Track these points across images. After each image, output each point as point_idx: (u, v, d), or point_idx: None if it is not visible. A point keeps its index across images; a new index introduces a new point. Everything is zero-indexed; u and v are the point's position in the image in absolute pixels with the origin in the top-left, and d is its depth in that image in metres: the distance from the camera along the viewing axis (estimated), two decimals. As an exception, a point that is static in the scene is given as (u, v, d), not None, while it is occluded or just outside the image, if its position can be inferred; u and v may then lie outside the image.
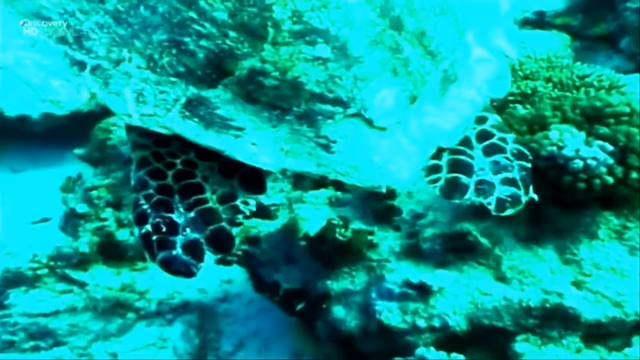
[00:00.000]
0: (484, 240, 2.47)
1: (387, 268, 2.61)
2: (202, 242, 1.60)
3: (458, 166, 1.77)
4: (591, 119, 2.36)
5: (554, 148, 2.23)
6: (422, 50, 1.76)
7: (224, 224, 1.63)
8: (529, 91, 2.82)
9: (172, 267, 1.56)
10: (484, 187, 1.75)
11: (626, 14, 3.96)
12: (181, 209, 1.63)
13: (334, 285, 2.72)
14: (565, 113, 2.39)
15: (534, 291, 2.37)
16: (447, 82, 1.80)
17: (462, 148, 1.80)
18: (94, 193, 3.63)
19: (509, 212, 1.73)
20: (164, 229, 1.59)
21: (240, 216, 1.65)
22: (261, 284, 3.06)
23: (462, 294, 2.47)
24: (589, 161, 2.19)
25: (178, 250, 1.57)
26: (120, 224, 3.61)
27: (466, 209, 2.67)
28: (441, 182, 1.76)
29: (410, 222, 2.77)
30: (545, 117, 2.40)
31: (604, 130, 2.27)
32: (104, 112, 4.40)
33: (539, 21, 4.35)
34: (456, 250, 2.54)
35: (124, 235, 3.60)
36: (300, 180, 3.69)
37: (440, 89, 1.78)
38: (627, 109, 2.31)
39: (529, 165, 1.83)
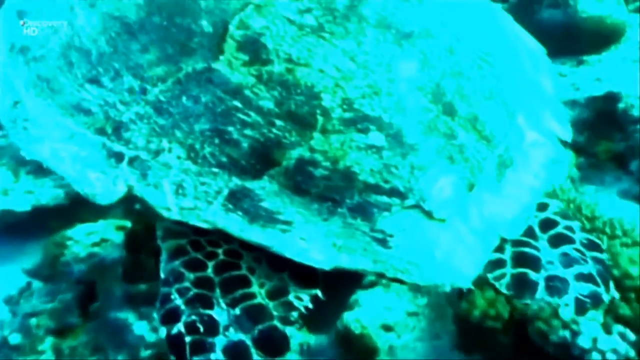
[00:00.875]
0: None
1: None
2: (249, 344, 1.38)
3: (524, 260, 1.63)
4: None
5: (567, 333, 1.84)
6: (477, 135, 1.68)
7: (276, 322, 1.42)
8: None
9: None
10: (556, 285, 1.58)
11: (636, 136, 3.69)
12: (223, 305, 1.43)
13: None
14: (579, 281, 2.02)
15: None
16: (503, 167, 1.71)
17: (526, 239, 1.67)
18: (33, 321, 3.18)
19: (590, 314, 1.61)
20: (201, 329, 1.37)
21: (294, 313, 1.45)
22: None
23: None
24: (609, 355, 1.81)
25: (218, 355, 1.35)
26: (59, 354, 3.13)
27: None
28: (507, 279, 1.60)
29: (389, 392, 2.33)
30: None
31: (624, 310, 1.92)
32: (69, 206, 4.12)
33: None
34: None
35: (62, 368, 3.10)
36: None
37: (497, 175, 1.70)
38: (650, 283, 1.97)
39: (604, 257, 1.67)
